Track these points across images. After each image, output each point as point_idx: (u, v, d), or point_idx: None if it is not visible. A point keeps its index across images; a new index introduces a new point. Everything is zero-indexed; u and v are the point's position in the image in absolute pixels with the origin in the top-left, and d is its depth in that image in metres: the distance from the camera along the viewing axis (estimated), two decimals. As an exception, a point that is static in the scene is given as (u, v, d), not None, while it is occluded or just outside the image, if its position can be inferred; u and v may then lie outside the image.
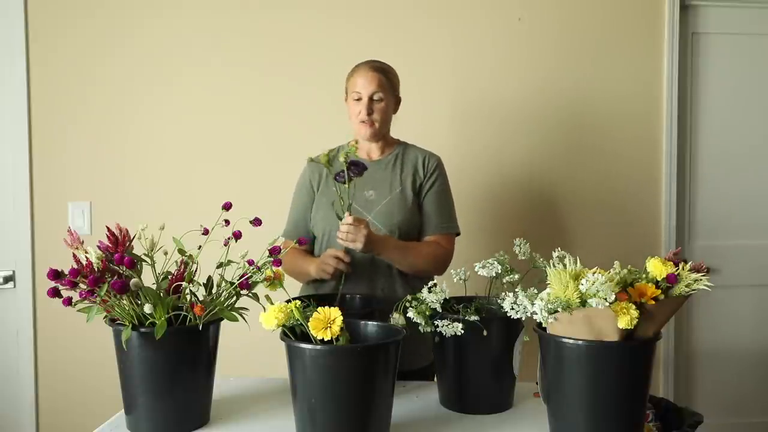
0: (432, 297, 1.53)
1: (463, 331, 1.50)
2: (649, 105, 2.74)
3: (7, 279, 2.60)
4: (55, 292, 1.29)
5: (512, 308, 1.40)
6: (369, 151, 2.04)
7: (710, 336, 2.86)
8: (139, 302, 1.33)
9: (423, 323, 1.53)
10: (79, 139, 2.61)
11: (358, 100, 1.96)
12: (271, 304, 1.38)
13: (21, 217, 2.59)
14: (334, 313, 1.31)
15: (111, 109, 2.61)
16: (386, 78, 1.97)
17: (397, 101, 2.05)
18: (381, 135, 2.01)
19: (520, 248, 1.63)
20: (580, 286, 1.25)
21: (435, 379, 1.97)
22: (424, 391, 1.71)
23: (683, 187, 2.82)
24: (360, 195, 1.95)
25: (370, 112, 1.94)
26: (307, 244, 1.99)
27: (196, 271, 1.42)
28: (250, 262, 1.44)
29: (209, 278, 1.46)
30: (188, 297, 1.39)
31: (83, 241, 1.40)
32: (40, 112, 2.59)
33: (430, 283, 1.57)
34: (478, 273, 1.60)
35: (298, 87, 2.64)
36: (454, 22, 2.66)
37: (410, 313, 1.53)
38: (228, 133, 2.63)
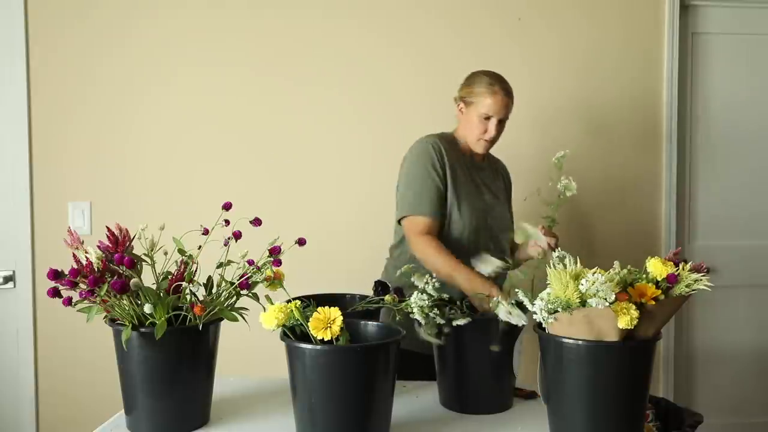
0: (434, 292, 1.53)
1: (469, 321, 1.49)
2: (649, 105, 2.74)
3: (7, 279, 2.60)
4: (55, 292, 1.29)
5: (506, 317, 1.41)
6: (472, 152, 2.06)
7: (710, 336, 2.86)
8: (139, 302, 1.33)
9: (428, 316, 1.51)
10: (79, 139, 2.61)
11: (487, 119, 1.96)
12: (271, 304, 1.38)
13: (21, 217, 2.58)
14: (334, 313, 1.31)
15: (111, 109, 2.61)
16: (512, 102, 2.01)
17: None
18: None
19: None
20: (580, 286, 1.25)
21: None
22: (424, 391, 1.71)
23: (683, 187, 2.81)
24: (479, 198, 2.00)
25: (498, 135, 1.98)
26: (438, 225, 1.92)
27: (196, 271, 1.41)
28: (250, 262, 1.44)
29: (209, 278, 1.46)
30: (188, 297, 1.39)
31: (83, 241, 1.39)
32: (40, 112, 2.59)
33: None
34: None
35: (299, 87, 2.64)
36: (453, 22, 2.66)
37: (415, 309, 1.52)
38: (228, 133, 2.63)
